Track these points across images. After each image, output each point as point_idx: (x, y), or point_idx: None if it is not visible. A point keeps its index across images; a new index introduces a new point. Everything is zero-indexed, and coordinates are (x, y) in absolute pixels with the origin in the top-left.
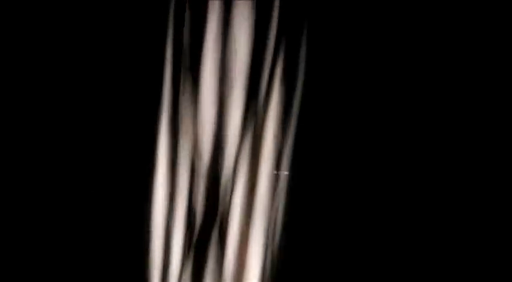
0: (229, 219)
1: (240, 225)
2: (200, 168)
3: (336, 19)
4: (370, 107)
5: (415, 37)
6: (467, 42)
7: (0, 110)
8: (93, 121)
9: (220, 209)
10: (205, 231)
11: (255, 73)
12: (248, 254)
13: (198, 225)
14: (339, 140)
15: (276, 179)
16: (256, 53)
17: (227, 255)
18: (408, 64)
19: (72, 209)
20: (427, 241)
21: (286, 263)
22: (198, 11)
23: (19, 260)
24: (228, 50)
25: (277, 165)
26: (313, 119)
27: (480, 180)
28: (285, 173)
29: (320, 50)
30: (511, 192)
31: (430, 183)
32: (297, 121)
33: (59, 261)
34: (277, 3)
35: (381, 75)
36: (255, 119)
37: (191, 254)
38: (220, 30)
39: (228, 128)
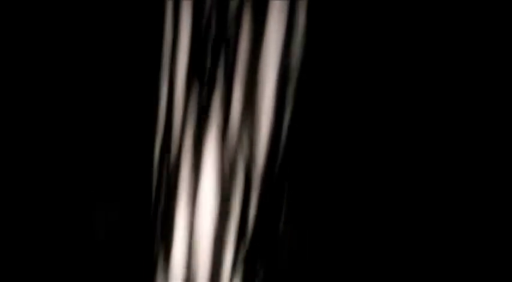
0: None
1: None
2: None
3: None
4: (367, 109)
5: (414, 38)
6: (468, 42)
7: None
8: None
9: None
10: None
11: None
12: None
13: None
14: (336, 140)
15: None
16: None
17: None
18: (407, 64)
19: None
20: (425, 241)
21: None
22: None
23: (26, 261)
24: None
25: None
26: (308, 120)
27: (479, 180)
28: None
29: (320, 49)
30: (511, 192)
31: (429, 183)
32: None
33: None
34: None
35: (378, 76)
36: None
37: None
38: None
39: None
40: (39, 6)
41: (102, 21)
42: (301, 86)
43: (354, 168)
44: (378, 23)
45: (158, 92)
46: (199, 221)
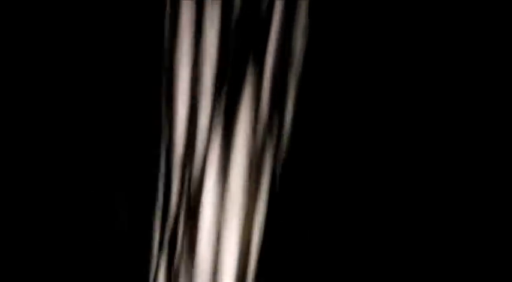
0: (200, 216)
1: (213, 223)
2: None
3: (336, 19)
4: (366, 109)
5: (414, 38)
6: (467, 42)
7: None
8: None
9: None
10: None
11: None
12: (223, 252)
13: (172, 221)
14: (335, 142)
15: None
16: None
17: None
18: (407, 65)
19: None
20: (425, 242)
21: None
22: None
23: (21, 260)
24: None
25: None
26: (308, 120)
27: (477, 180)
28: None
29: (318, 50)
30: (511, 192)
31: (429, 184)
32: (292, 122)
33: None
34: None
35: (378, 77)
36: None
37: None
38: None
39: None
40: (40, 6)
41: (103, 22)
42: (304, 84)
43: (357, 168)
44: (380, 21)
45: (161, 91)
46: (225, 221)
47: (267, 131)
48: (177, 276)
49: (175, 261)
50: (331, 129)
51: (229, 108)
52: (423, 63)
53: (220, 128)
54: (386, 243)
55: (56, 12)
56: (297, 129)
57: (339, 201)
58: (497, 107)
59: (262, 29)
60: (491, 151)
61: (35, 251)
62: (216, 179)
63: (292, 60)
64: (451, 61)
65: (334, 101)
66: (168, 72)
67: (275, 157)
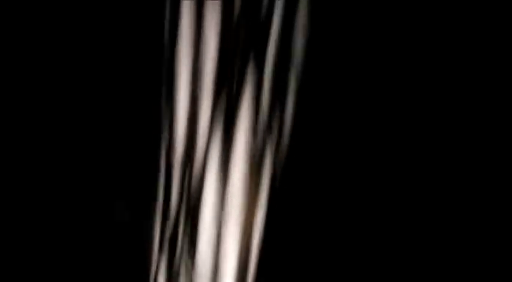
0: (201, 216)
1: (213, 223)
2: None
3: (334, 18)
4: (366, 109)
5: (415, 38)
6: (467, 42)
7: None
8: (91, 122)
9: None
10: (178, 227)
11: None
12: (223, 252)
13: (172, 221)
14: (334, 141)
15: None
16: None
17: (200, 252)
18: (408, 65)
19: (70, 208)
20: (427, 244)
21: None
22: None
23: (18, 260)
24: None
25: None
26: (308, 120)
27: (479, 181)
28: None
29: (317, 50)
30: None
31: (430, 185)
32: (292, 122)
33: (58, 262)
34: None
35: (378, 76)
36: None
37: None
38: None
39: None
40: (40, 6)
41: (103, 22)
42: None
43: (358, 167)
44: (381, 21)
45: (161, 92)
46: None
47: (267, 131)
48: (177, 277)
49: (176, 261)
50: (332, 128)
51: (230, 108)
52: (424, 63)
53: (220, 128)
54: (386, 243)
55: (55, 11)
56: (297, 128)
57: (339, 200)
58: (498, 107)
59: (263, 28)
60: (491, 151)
61: (33, 252)
62: (217, 178)
63: (293, 59)
64: (452, 61)
65: (335, 101)
66: (169, 72)
67: (275, 157)
